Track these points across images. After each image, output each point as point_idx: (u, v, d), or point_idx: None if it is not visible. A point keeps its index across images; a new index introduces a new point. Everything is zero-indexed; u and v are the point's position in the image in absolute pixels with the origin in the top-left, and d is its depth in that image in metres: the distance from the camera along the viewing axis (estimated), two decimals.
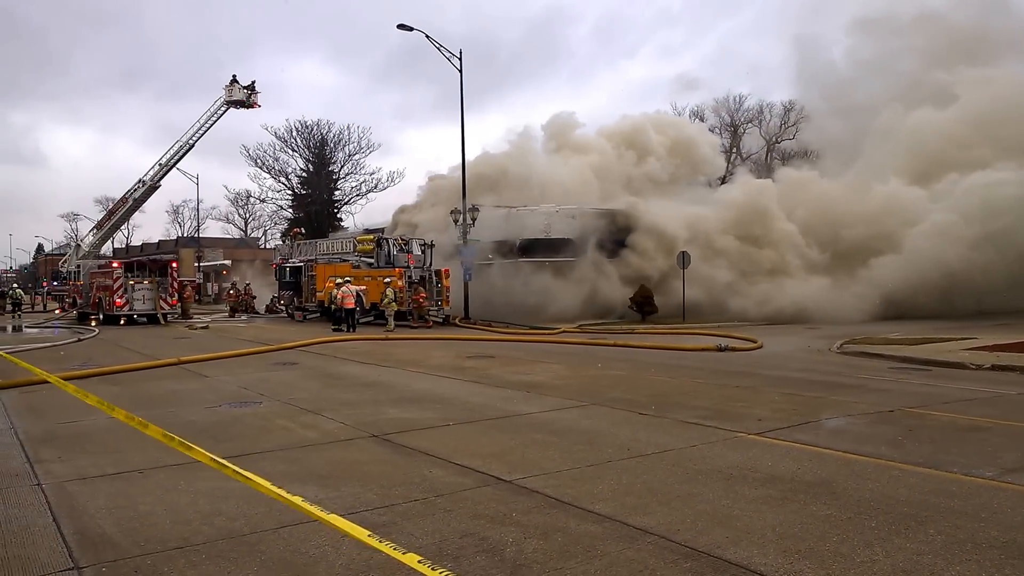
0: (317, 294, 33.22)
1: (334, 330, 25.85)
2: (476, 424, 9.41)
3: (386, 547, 2.96)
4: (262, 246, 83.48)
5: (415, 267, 30.80)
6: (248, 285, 44.20)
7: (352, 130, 71.33)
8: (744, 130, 67.43)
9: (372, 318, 29.43)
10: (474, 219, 32.06)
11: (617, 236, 33.91)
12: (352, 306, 26.43)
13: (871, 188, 30.89)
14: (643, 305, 29.38)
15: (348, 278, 27.99)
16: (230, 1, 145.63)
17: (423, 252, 32.20)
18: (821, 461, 7.20)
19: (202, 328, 29.46)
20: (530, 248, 33.79)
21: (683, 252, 28.91)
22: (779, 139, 65.93)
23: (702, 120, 61.76)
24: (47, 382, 11.15)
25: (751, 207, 32.74)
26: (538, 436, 8.56)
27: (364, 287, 29.69)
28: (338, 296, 26.43)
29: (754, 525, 5.38)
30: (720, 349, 18.21)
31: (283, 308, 37.86)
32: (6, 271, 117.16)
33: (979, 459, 7.26)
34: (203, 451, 4.83)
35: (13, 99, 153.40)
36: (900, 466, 6.96)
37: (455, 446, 8.04)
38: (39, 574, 4.65)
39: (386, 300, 26.82)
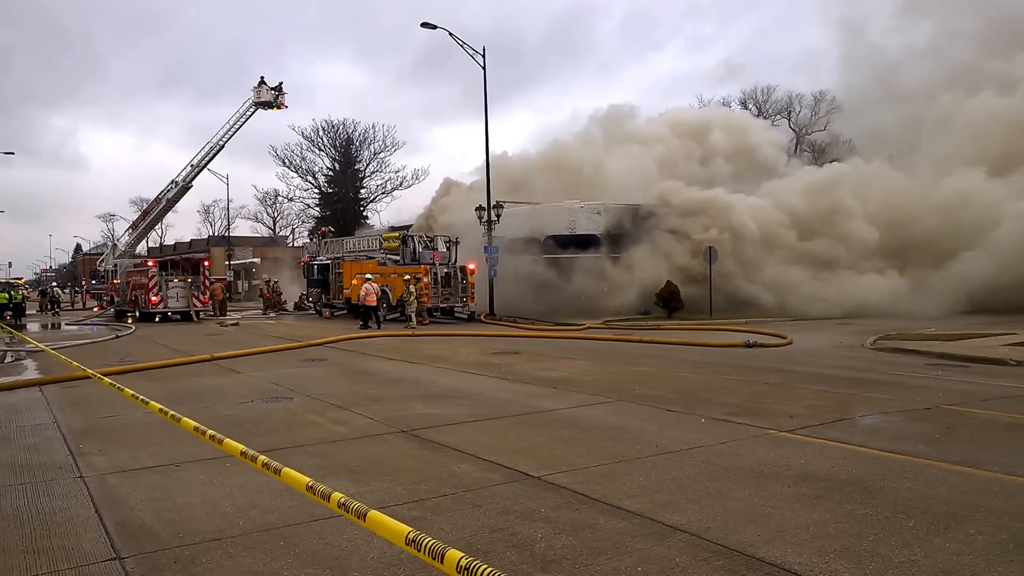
0: (344, 291, 33.50)
1: (361, 327, 26.02)
2: (503, 420, 9.39)
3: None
4: (290, 244, 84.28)
5: (440, 263, 30.92)
6: (276, 282, 44.56)
7: (377, 129, 72.35)
8: (773, 122, 66.55)
9: (399, 314, 29.53)
10: (498, 216, 32.08)
11: (648, 230, 33.61)
12: (374, 303, 26.61)
13: (939, 180, 29.97)
14: (669, 301, 29.20)
15: (369, 276, 28.15)
16: (261, 5, 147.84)
17: (448, 249, 32.31)
18: (856, 459, 7.09)
19: (233, 325, 29.82)
20: (555, 245, 33.66)
21: (710, 247, 28.66)
22: (809, 131, 65.10)
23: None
24: (88, 377, 11.37)
25: (823, 201, 31.75)
26: (565, 432, 8.53)
27: (391, 284, 29.89)
28: (361, 293, 26.62)
29: (787, 524, 5.31)
30: (748, 345, 18.02)
31: (311, 305, 38.21)
32: (46, 271, 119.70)
33: (1021, 458, 7.10)
34: (236, 444, 4.87)
35: (57, 104, 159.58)
36: (939, 465, 6.83)
37: (483, 442, 8.04)
38: (83, 564, 4.72)
39: (411, 297, 26.88)
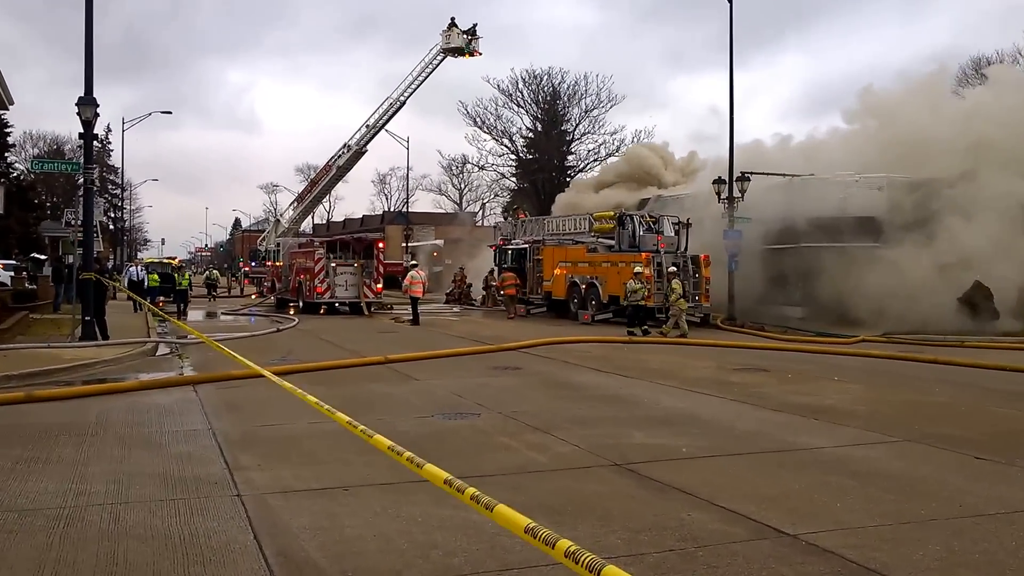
0: (544, 283, 34.04)
1: (629, 332, 25.46)
2: (746, 457, 9.24)
3: None
4: (479, 223, 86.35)
5: (666, 251, 30.32)
6: (462, 268, 45.67)
7: (590, 80, 72.10)
8: None
9: (610, 315, 29.59)
10: (743, 192, 31.22)
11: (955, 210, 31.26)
12: (420, 294, 30.77)
13: None
14: (977, 308, 27.11)
15: (416, 262, 31.98)
16: None
17: (677, 233, 31.74)
18: None
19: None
20: (818, 229, 32.13)
21: None
22: None
23: None
24: (243, 377, 12.43)
25: None
26: (831, 478, 8.24)
27: (602, 275, 30.16)
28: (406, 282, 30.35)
29: None
30: None
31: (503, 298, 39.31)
32: (200, 249, 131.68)
33: None
34: (434, 470, 5.09)
35: (235, 55, 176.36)
36: None
37: (719, 483, 7.94)
38: None
39: (674, 295, 26.22)
